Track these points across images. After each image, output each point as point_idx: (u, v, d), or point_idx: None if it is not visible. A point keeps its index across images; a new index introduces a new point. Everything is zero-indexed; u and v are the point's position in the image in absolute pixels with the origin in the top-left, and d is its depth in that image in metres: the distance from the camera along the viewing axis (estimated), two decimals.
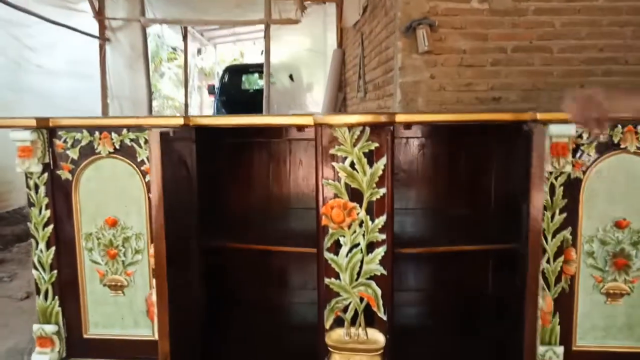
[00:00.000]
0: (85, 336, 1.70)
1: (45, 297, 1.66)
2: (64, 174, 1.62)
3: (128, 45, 6.25)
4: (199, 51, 16.12)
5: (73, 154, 1.61)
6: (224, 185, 2.11)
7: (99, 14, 6.03)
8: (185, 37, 9.85)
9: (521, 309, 1.22)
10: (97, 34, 6.10)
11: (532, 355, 1.19)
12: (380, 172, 1.38)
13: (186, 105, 9.55)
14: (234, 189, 2.12)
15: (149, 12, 6.25)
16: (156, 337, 1.51)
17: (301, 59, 8.08)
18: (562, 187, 1.44)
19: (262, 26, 6.20)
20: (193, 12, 6.61)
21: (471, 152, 2.01)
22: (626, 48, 2.91)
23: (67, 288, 1.67)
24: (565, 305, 1.51)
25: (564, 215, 1.46)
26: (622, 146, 1.46)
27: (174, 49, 17.20)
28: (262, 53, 7.06)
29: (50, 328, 1.65)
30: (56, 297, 1.66)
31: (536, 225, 1.16)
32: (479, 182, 2.01)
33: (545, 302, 1.39)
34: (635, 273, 1.52)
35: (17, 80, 4.69)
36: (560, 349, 1.47)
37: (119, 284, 1.67)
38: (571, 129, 1.35)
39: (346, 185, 1.40)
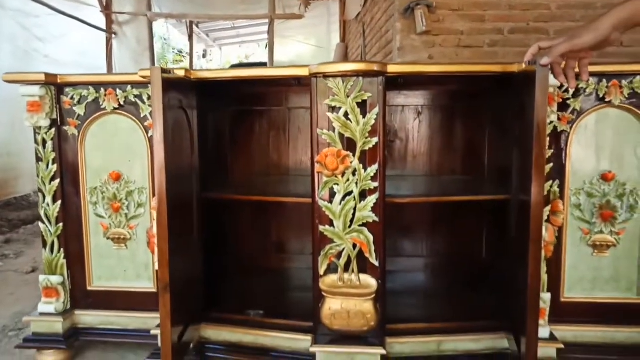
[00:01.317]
0: (89, 288, 1.76)
1: (52, 250, 1.72)
2: (71, 130, 1.69)
3: (134, 39, 6.37)
4: (205, 53, 16.29)
5: (79, 110, 1.68)
6: (224, 152, 2.17)
7: (107, 8, 6.15)
8: (190, 37, 9.96)
9: (525, 249, 1.25)
10: (104, 27, 6.21)
11: (536, 295, 1.23)
12: (373, 122, 1.43)
13: None
14: (235, 156, 2.19)
15: (155, 6, 6.36)
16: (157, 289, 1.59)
17: (305, 55, 8.17)
18: (548, 138, 1.49)
19: (266, 28, 6.30)
20: (198, 8, 6.72)
21: (465, 118, 2.06)
22: None
23: (72, 241, 1.73)
24: (553, 256, 1.55)
25: (550, 165, 1.51)
26: (607, 100, 1.51)
27: (180, 51, 17.37)
28: (266, 47, 7.13)
29: (55, 279, 1.71)
30: (61, 250, 1.72)
31: (540, 160, 1.17)
32: (474, 148, 2.06)
33: (547, 232, 1.42)
34: (621, 225, 1.56)
35: (25, 70, 4.78)
36: (547, 296, 1.52)
37: (122, 237, 1.73)
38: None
39: (340, 134, 1.45)
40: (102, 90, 1.66)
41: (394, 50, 3.05)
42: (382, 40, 3.55)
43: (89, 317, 1.76)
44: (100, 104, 1.67)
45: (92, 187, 1.72)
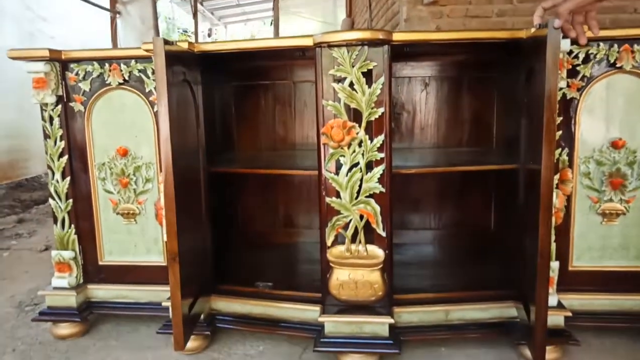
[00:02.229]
0: (100, 263, 1.78)
1: (62, 226, 1.74)
2: (77, 106, 1.69)
3: (138, 18, 6.32)
4: (210, 32, 16.15)
5: (85, 86, 1.68)
6: (230, 128, 2.17)
7: None
8: (195, 15, 9.86)
9: (534, 217, 1.24)
10: (108, 7, 6.17)
11: (546, 261, 1.23)
12: (379, 92, 1.42)
13: None
14: (241, 131, 2.19)
15: None
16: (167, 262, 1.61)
17: (311, 31, 8.05)
18: (557, 105, 1.46)
19: (271, 4, 6.21)
20: None
21: (473, 89, 2.04)
22: None
23: (82, 217, 1.75)
24: (561, 225, 1.55)
25: (559, 133, 1.49)
26: (618, 65, 1.48)
27: (185, 30, 17.25)
28: (271, 24, 7.05)
29: (67, 254, 1.74)
30: (72, 225, 1.74)
31: (551, 125, 1.15)
32: (482, 119, 2.04)
33: (558, 199, 1.42)
34: (630, 193, 1.55)
35: None
36: (555, 264, 1.51)
37: (131, 212, 1.74)
38: (566, 44, 1.37)
39: (345, 105, 1.44)
40: (107, 65, 1.66)
41: (400, 22, 3.00)
42: (388, 12, 3.49)
43: (101, 291, 1.79)
44: (105, 79, 1.67)
45: (100, 163, 1.73)
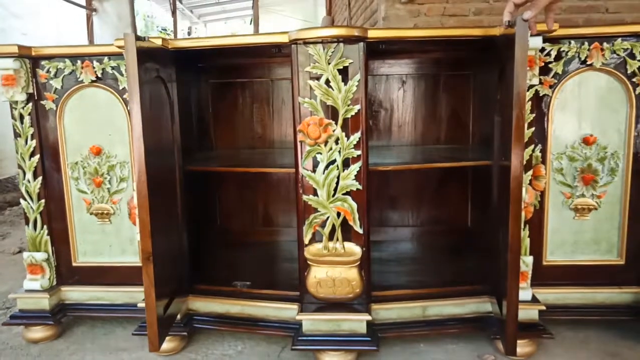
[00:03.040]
0: (74, 264, 1.75)
1: (35, 227, 1.70)
2: (48, 104, 1.66)
3: (115, 15, 6.22)
4: (190, 30, 15.98)
5: (56, 83, 1.64)
6: (207, 126, 2.15)
7: None
8: (174, 13, 9.76)
9: (505, 212, 1.26)
10: (84, 3, 6.05)
11: (516, 256, 1.24)
12: (355, 89, 1.42)
13: None
14: (218, 130, 2.17)
15: None
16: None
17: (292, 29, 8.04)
18: (530, 102, 1.49)
19: (251, 2, 6.17)
20: None
21: (450, 87, 2.05)
22: None
23: (55, 217, 1.72)
24: (535, 220, 1.57)
25: (532, 129, 1.51)
26: (588, 62, 1.51)
27: (164, 29, 17.02)
28: (251, 22, 7.02)
29: (40, 255, 1.70)
30: (44, 226, 1.70)
31: (520, 121, 1.17)
32: (458, 116, 2.06)
33: (527, 194, 1.44)
34: (602, 188, 1.58)
35: None
36: (529, 259, 1.54)
37: (105, 212, 1.71)
38: (537, 41, 1.39)
39: (322, 102, 1.44)
40: (79, 62, 1.62)
41: (378, 21, 3.01)
42: (367, 11, 3.50)
43: (75, 293, 1.75)
44: (78, 76, 1.63)
45: (72, 162, 1.69)
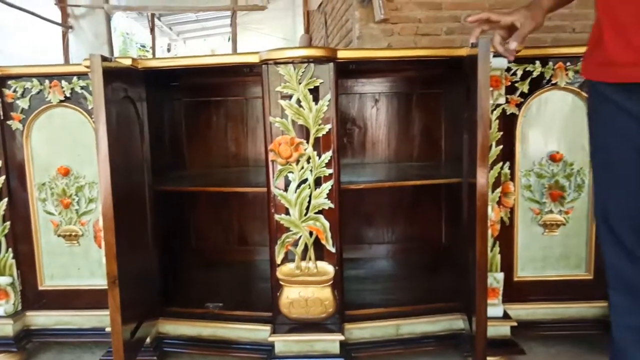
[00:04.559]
0: (40, 288, 1.70)
1: None
2: (15, 124, 1.62)
3: (92, 33, 6.17)
4: (169, 47, 15.94)
5: (23, 103, 1.61)
6: (181, 145, 2.13)
7: (61, 1, 5.93)
8: (152, 30, 9.72)
9: (472, 229, 1.28)
10: (59, 21, 6.00)
11: (484, 273, 1.25)
12: (326, 108, 1.43)
13: None
14: (192, 148, 2.15)
15: None
16: None
17: (271, 47, 8.09)
18: (497, 120, 1.52)
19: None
20: (159, 0, 6.56)
21: (422, 105, 2.08)
22: (573, 17, 3.04)
23: (21, 240, 1.67)
24: (505, 237, 1.59)
25: (500, 147, 1.54)
26: (553, 82, 1.55)
27: (143, 45, 16.95)
28: (228, 40, 7.04)
29: (4, 280, 1.64)
30: (9, 249, 1.65)
31: (485, 138, 1.20)
32: (431, 134, 2.09)
33: (493, 212, 1.46)
34: (569, 204, 1.61)
35: None
36: (500, 275, 1.55)
37: (73, 233, 1.67)
38: (503, 62, 1.43)
39: (293, 122, 1.44)
40: (47, 82, 1.60)
41: (353, 39, 3.06)
42: (343, 29, 3.55)
43: (42, 318, 1.70)
44: (45, 96, 1.61)
45: (40, 183, 1.65)
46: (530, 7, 1.27)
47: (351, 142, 2.13)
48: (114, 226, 1.17)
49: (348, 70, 1.82)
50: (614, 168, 1.08)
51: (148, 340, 1.53)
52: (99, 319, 1.67)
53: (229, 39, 7.58)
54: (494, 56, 1.39)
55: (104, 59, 1.16)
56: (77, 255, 1.69)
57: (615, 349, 1.13)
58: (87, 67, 1.43)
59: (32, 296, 1.70)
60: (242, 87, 2.12)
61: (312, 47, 1.37)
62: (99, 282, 1.69)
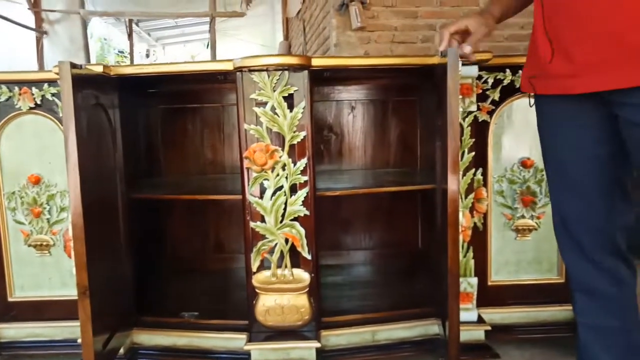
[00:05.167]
0: (10, 299, 1.66)
1: None
2: None
3: (67, 38, 6.07)
4: (148, 53, 15.78)
5: None
6: (156, 152, 2.11)
7: (35, 5, 5.83)
8: (130, 35, 9.62)
9: (445, 234, 1.29)
10: (33, 26, 5.89)
11: (455, 278, 1.27)
12: (300, 116, 1.43)
13: None
14: (168, 156, 2.13)
15: (89, 4, 6.10)
16: None
17: (249, 54, 8.07)
18: (469, 127, 1.54)
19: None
20: (136, 5, 6.49)
21: (398, 112, 2.11)
22: None
23: None
24: (478, 242, 1.61)
25: (472, 154, 1.56)
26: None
27: (121, 51, 16.75)
28: (207, 46, 7.01)
29: None
30: None
31: (455, 145, 1.23)
32: (406, 141, 2.11)
33: (464, 218, 1.49)
34: (540, 209, 1.64)
35: None
36: (474, 280, 1.57)
37: (44, 243, 1.64)
38: (474, 70, 1.46)
39: (268, 129, 1.44)
40: (16, 88, 1.57)
41: (330, 47, 3.08)
42: (320, 37, 3.57)
43: (11, 330, 1.66)
44: (15, 103, 1.58)
45: (9, 192, 1.62)
46: (483, 14, 1.31)
47: (328, 149, 2.14)
48: (84, 235, 1.15)
49: (324, 78, 1.84)
50: (567, 176, 1.12)
51: (122, 351, 1.51)
52: (72, 330, 1.63)
53: (207, 45, 7.54)
54: (464, 64, 1.41)
55: (73, 65, 1.14)
56: (48, 265, 1.66)
57: (580, 348, 1.17)
58: (57, 74, 1.42)
59: (2, 308, 1.66)
60: (219, 94, 2.12)
61: (287, 55, 1.38)
62: (71, 292, 1.64)
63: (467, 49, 1.30)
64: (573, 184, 1.12)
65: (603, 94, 0.99)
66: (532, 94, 1.18)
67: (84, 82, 1.23)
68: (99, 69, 1.41)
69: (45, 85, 1.57)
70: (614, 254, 1.11)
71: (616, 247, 1.11)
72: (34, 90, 1.57)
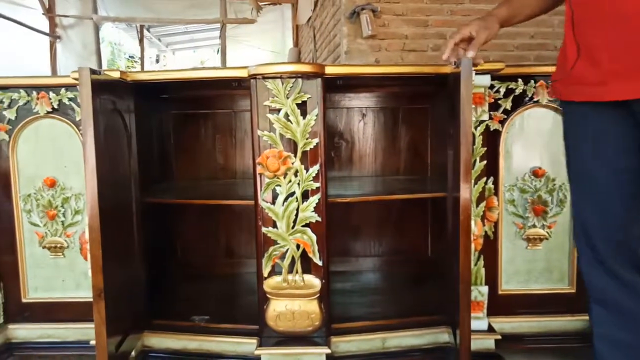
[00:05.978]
0: (24, 300, 1.68)
1: None
2: (1, 135, 1.62)
3: (80, 43, 6.13)
4: (158, 58, 15.92)
5: (10, 114, 1.61)
6: (169, 157, 2.14)
7: (49, 10, 5.91)
8: (141, 41, 9.71)
9: (456, 242, 1.30)
10: (47, 30, 5.97)
11: (467, 286, 1.27)
12: (313, 123, 1.45)
13: None
14: (180, 161, 2.15)
15: (102, 9, 6.17)
16: None
17: (260, 60, 8.09)
18: (481, 136, 1.55)
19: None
20: (147, 12, 6.57)
21: (408, 120, 2.12)
22: (554, 35, 3.12)
23: (5, 251, 1.65)
24: (489, 250, 1.61)
25: (484, 162, 1.57)
26: (535, 99, 1.59)
27: (132, 56, 16.90)
28: (217, 52, 7.06)
29: None
30: None
31: (467, 154, 1.24)
32: (417, 148, 2.12)
33: (476, 226, 1.49)
34: (552, 219, 1.64)
35: None
36: (485, 289, 1.57)
37: (58, 245, 1.66)
38: (486, 79, 1.47)
39: (281, 135, 1.46)
40: (34, 93, 1.60)
41: (341, 54, 3.10)
42: (331, 44, 3.60)
43: (24, 331, 1.68)
44: (33, 107, 1.61)
45: (25, 195, 1.64)
46: (485, 18, 1.31)
47: (339, 155, 2.16)
48: (100, 238, 1.16)
49: (336, 85, 1.85)
50: (591, 186, 1.11)
51: (133, 353, 1.52)
52: (83, 331, 1.65)
53: (218, 50, 7.59)
54: (477, 74, 1.42)
55: (92, 71, 1.17)
56: (62, 267, 1.68)
57: (596, 358, 1.16)
58: (76, 79, 1.44)
59: (15, 309, 1.68)
60: (231, 100, 2.14)
61: (300, 62, 1.40)
62: (84, 294, 1.68)
63: (469, 54, 1.30)
64: (597, 194, 1.10)
65: (631, 103, 0.98)
66: (559, 100, 1.17)
67: (102, 88, 1.26)
68: (116, 75, 1.43)
69: (63, 90, 1.60)
70: (634, 267, 1.09)
71: (636, 260, 1.09)
72: (52, 94, 1.60)
